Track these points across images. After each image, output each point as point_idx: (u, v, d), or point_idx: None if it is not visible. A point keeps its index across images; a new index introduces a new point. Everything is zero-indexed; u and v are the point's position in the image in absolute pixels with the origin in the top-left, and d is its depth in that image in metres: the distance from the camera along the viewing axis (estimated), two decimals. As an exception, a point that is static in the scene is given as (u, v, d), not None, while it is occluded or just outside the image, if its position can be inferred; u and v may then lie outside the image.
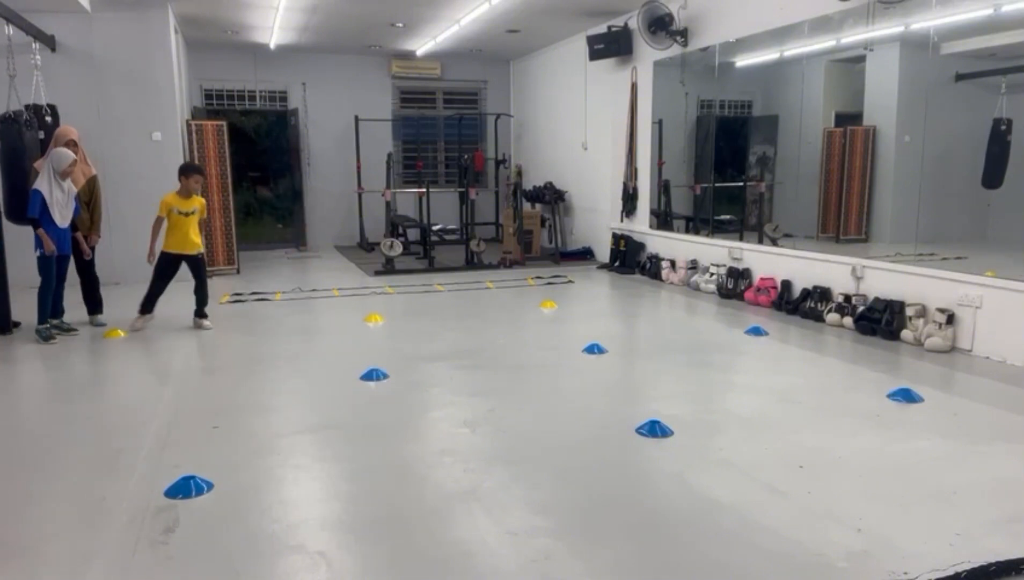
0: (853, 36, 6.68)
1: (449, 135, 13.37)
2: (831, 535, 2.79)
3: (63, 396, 4.90)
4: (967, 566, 2.54)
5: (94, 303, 6.52)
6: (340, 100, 12.49)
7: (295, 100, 12.47)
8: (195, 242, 6.45)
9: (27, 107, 6.70)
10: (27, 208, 5.80)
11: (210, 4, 8.85)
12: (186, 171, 6.46)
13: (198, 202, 6.47)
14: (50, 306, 6.10)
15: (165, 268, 6.40)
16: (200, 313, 6.54)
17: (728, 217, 8.84)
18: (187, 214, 6.36)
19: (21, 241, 6.37)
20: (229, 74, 12.13)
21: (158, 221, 6.32)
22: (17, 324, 6.38)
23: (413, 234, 12.00)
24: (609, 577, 2.55)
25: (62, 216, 5.94)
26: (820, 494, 3.14)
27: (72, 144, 6.08)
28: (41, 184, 5.82)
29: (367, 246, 11.98)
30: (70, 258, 6.31)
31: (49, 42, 8.21)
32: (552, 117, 12.07)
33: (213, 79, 12.12)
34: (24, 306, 6.65)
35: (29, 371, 5.46)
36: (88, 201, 6.31)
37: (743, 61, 8.07)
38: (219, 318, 7.16)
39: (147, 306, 6.44)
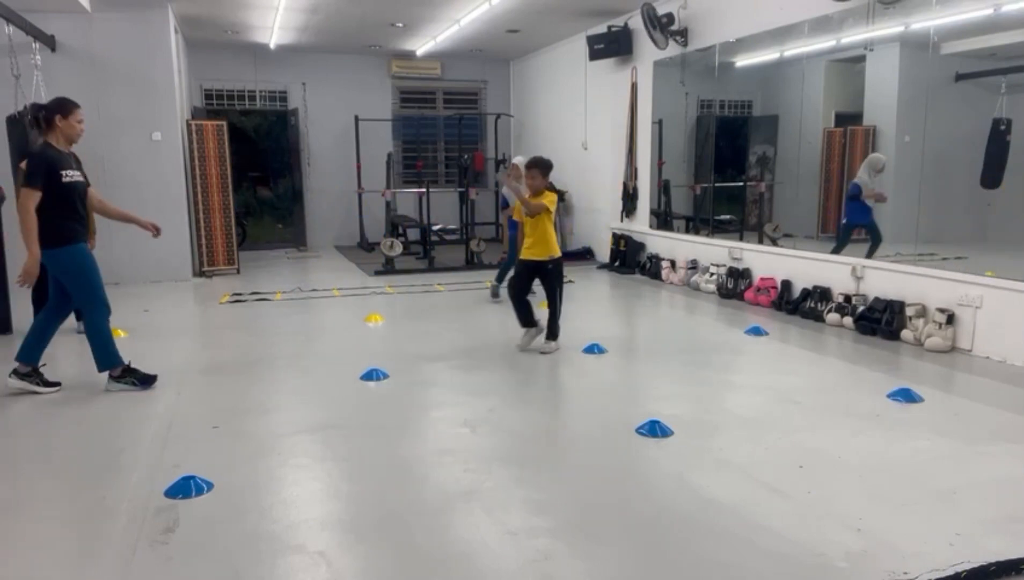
0: (853, 36, 6.67)
1: (449, 135, 13.36)
2: (831, 535, 2.79)
3: (63, 396, 4.89)
4: (967, 566, 2.54)
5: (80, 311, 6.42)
6: (340, 100, 12.49)
7: (295, 100, 12.47)
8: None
9: (27, 107, 6.70)
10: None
11: (210, 4, 8.85)
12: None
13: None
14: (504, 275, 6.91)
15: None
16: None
17: (728, 217, 8.83)
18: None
19: (20, 241, 6.35)
20: (229, 74, 12.13)
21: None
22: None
23: (413, 234, 12.00)
24: (609, 577, 2.55)
25: None
26: (820, 494, 3.14)
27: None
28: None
29: (367, 246, 11.98)
30: None
31: (49, 42, 8.21)
32: (552, 117, 12.07)
33: (213, 79, 12.12)
34: (24, 306, 6.64)
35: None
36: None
37: (743, 61, 8.07)
38: (219, 318, 7.17)
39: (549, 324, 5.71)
